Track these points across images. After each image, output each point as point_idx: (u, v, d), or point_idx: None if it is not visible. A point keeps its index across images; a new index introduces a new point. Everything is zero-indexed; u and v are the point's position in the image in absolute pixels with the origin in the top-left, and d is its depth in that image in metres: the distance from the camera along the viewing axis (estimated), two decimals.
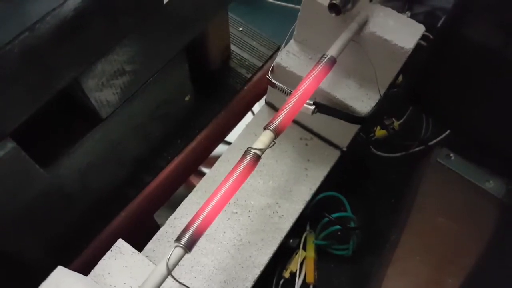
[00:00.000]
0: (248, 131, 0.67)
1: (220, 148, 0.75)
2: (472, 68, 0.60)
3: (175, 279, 0.37)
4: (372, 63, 0.53)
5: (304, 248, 0.65)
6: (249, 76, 0.71)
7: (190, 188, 0.63)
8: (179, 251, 0.37)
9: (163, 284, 0.40)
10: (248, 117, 0.78)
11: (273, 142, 0.43)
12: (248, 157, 0.41)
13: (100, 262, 0.45)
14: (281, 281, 0.64)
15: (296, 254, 0.65)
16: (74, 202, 0.52)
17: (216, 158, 0.65)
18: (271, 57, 0.74)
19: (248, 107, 0.75)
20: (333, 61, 0.46)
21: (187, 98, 0.64)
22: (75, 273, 0.39)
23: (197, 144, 0.67)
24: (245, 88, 0.71)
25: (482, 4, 0.53)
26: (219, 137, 0.73)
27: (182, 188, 0.73)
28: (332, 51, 0.47)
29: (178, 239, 0.37)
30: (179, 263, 0.38)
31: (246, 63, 0.73)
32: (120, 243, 0.45)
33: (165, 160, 0.64)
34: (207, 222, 0.38)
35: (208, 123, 0.67)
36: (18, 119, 0.37)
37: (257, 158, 0.42)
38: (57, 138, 0.46)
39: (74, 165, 0.49)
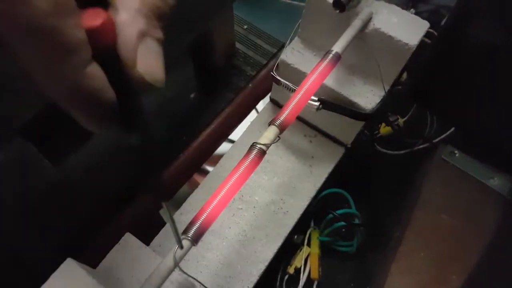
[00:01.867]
0: (252, 128, 0.68)
1: (224, 147, 0.76)
2: (477, 66, 0.60)
3: (182, 270, 0.38)
4: (377, 60, 0.53)
5: (309, 245, 0.66)
6: (253, 73, 0.72)
7: (194, 186, 0.63)
8: (185, 243, 0.38)
9: (170, 278, 0.41)
10: (252, 115, 0.78)
11: (278, 138, 0.44)
12: (254, 152, 0.42)
13: (107, 255, 0.45)
14: (286, 277, 0.64)
15: (301, 250, 0.65)
16: (81, 197, 0.52)
17: (220, 156, 0.66)
18: (276, 54, 0.74)
19: (253, 105, 0.76)
20: (337, 57, 0.47)
21: (192, 95, 0.65)
22: (84, 265, 0.40)
23: (201, 141, 0.68)
24: (250, 85, 0.71)
25: (486, 2, 0.54)
26: (224, 134, 0.74)
27: (186, 186, 0.74)
28: (336, 47, 0.47)
29: (185, 232, 0.38)
30: (185, 258, 0.38)
31: (251, 60, 0.73)
32: (128, 236, 0.46)
33: (169, 157, 0.65)
34: (214, 215, 0.38)
35: (212, 120, 0.68)
36: (27, 114, 0.37)
37: (262, 153, 0.42)
38: (65, 134, 0.47)
39: (81, 161, 0.50)
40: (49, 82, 0.17)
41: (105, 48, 0.18)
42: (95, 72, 0.18)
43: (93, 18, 0.17)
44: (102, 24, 0.17)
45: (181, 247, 0.35)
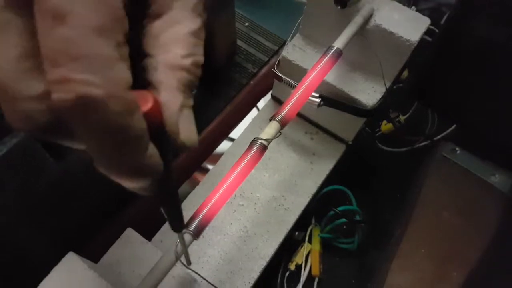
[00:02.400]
0: (254, 125, 0.68)
1: (224, 146, 0.76)
2: (477, 63, 0.60)
3: (183, 264, 0.38)
4: (378, 56, 0.53)
5: (310, 241, 0.66)
6: (255, 70, 0.72)
7: (194, 184, 0.63)
8: (187, 237, 0.38)
9: (172, 272, 0.41)
10: (253, 113, 0.78)
11: (279, 133, 0.44)
12: (255, 147, 0.42)
13: (109, 250, 0.45)
14: (287, 273, 0.64)
15: (302, 247, 0.65)
16: (83, 193, 0.53)
17: (220, 155, 0.66)
18: (277, 52, 0.74)
19: (254, 101, 0.76)
20: (339, 53, 0.47)
21: (194, 92, 0.65)
22: (86, 259, 0.40)
23: (203, 138, 0.68)
24: (251, 82, 0.71)
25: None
26: (225, 131, 0.74)
27: (187, 184, 0.74)
28: (338, 43, 0.47)
29: (186, 225, 0.38)
30: None
31: (252, 58, 0.73)
32: (129, 231, 0.46)
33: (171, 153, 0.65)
34: (215, 209, 0.38)
35: (214, 117, 0.68)
36: None
37: (263, 148, 0.42)
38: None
39: (83, 157, 0.50)
40: (113, 169, 0.19)
41: (154, 126, 0.19)
42: (152, 152, 0.19)
43: (144, 102, 0.19)
44: (153, 107, 0.19)
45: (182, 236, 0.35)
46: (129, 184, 0.21)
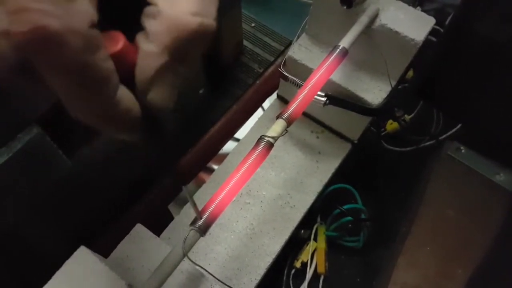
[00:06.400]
0: (260, 124, 0.69)
1: (229, 146, 0.76)
2: (482, 62, 0.60)
3: (190, 260, 0.38)
4: (383, 56, 0.54)
5: (315, 239, 0.66)
6: (261, 70, 0.73)
7: (200, 184, 0.64)
8: (194, 234, 0.38)
9: (180, 267, 0.42)
10: (258, 114, 0.79)
11: (285, 131, 0.45)
12: (262, 144, 0.42)
13: (118, 246, 0.46)
14: (292, 271, 0.65)
15: (307, 245, 0.66)
16: (93, 190, 0.54)
17: (225, 155, 0.66)
18: (283, 52, 0.75)
19: (260, 101, 0.76)
20: (344, 52, 0.48)
21: (201, 91, 0.66)
22: (97, 254, 0.41)
23: (210, 136, 0.69)
24: (257, 82, 0.72)
25: None
26: (231, 131, 0.75)
27: (192, 184, 0.75)
28: (343, 43, 0.48)
29: (193, 222, 0.39)
30: (194, 251, 0.39)
31: (258, 58, 0.74)
32: (139, 227, 0.47)
33: (179, 152, 0.66)
34: (222, 206, 0.39)
35: (221, 116, 0.68)
36: (44, 105, 0.38)
37: (270, 145, 0.43)
38: (79, 126, 0.48)
39: (94, 155, 0.51)
40: (83, 110, 0.18)
41: (125, 70, 0.18)
42: (124, 95, 0.19)
43: (114, 43, 0.18)
44: (123, 49, 0.18)
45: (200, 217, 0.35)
46: (114, 133, 0.20)
